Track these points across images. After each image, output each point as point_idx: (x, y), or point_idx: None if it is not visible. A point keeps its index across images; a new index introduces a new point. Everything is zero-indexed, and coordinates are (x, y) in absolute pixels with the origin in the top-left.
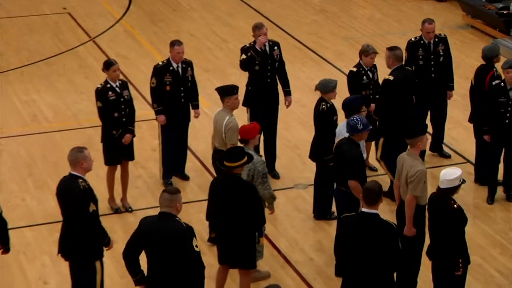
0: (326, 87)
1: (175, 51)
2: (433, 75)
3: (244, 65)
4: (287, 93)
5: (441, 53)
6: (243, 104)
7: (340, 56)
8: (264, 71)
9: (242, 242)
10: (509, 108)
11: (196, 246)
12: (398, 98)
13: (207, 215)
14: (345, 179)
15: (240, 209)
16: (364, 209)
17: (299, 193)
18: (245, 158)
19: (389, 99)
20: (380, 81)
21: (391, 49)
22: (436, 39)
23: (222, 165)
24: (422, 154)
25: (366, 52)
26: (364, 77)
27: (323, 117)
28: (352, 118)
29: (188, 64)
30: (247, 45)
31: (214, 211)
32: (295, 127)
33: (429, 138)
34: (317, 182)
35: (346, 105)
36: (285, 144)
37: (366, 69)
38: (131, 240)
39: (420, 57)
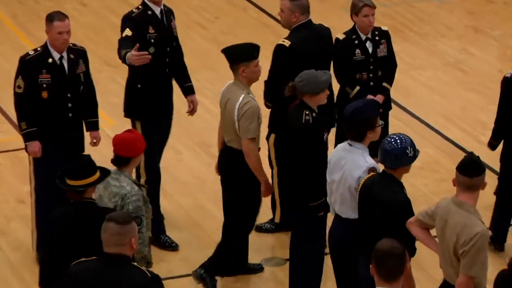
0: (313, 84)
1: (54, 30)
2: None
3: (118, 52)
4: (189, 90)
5: None
6: (128, 114)
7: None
8: (163, 55)
9: None
10: None
11: None
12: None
13: (42, 279)
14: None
15: (95, 254)
16: None
17: (272, 272)
18: (97, 173)
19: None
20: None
21: None
22: None
23: (64, 184)
24: None
25: (356, 7)
26: (357, 50)
27: (308, 134)
28: (389, 139)
29: (79, 54)
30: (134, 10)
31: (56, 262)
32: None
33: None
34: (296, 247)
35: (350, 116)
36: None
37: (363, 37)
38: None
39: None
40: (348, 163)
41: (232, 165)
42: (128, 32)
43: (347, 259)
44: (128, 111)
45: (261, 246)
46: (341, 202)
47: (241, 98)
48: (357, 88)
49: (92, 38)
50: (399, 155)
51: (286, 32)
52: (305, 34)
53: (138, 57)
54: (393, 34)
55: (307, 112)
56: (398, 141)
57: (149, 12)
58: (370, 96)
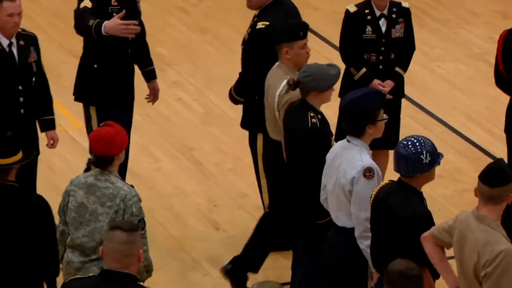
0: (323, 80)
1: (4, 12)
2: None
3: (80, 23)
4: (151, 75)
5: None
6: (79, 98)
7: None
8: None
9: None
10: None
11: None
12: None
13: None
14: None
15: (17, 247)
16: None
17: None
18: (20, 153)
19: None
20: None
21: None
22: None
23: None
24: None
25: None
26: (368, 27)
27: (315, 140)
28: (406, 142)
29: (29, 40)
30: None
31: None
32: None
33: None
34: (299, 270)
35: (346, 107)
36: (235, 192)
37: (377, 12)
38: None
39: None
40: (343, 163)
41: (276, 158)
42: (87, 3)
43: (344, 274)
44: (80, 94)
45: None
46: (338, 207)
47: (282, 85)
48: (363, 70)
49: (56, 25)
50: (413, 161)
51: None
52: (280, 12)
53: (125, 26)
54: None
55: (312, 114)
56: (417, 144)
57: None
58: (377, 81)
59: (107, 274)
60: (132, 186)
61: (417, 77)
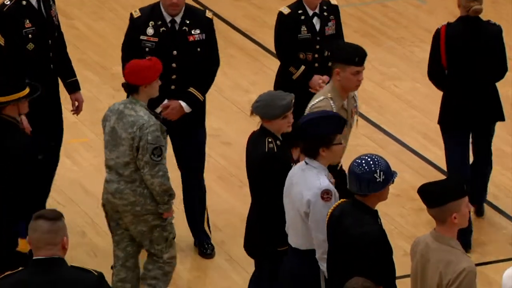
0: (269, 108)
1: None
2: None
3: None
4: (73, 87)
5: None
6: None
7: None
8: (44, 50)
9: None
10: None
11: None
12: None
13: None
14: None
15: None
16: None
17: None
18: (27, 89)
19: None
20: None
21: None
22: None
23: None
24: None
25: None
26: (303, 27)
27: (273, 164)
28: (359, 161)
29: None
30: (6, 2)
31: None
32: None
33: None
34: None
35: (304, 129)
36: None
37: (310, 12)
38: None
39: None
40: (299, 184)
41: None
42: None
43: None
44: None
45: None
46: (293, 229)
47: (317, 100)
48: (302, 67)
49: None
50: (367, 180)
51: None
52: (194, 8)
53: None
54: (363, 39)
55: (269, 140)
56: (371, 163)
57: (24, 3)
58: (317, 76)
59: (35, 263)
60: (158, 116)
61: (373, 96)
